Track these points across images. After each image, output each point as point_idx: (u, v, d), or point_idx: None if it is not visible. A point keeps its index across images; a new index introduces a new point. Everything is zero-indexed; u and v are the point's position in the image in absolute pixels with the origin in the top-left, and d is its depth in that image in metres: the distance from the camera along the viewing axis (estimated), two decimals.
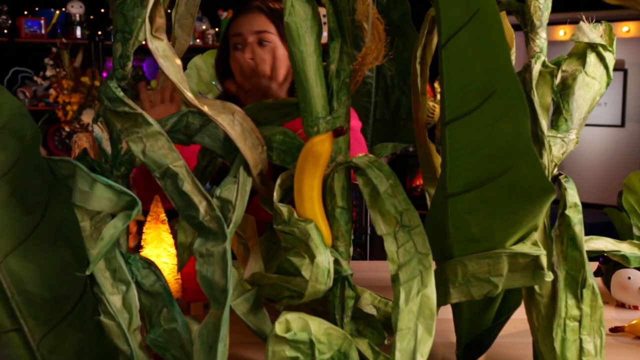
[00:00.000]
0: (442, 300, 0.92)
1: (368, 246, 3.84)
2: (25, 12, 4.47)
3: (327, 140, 0.93)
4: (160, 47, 0.89)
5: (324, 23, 0.94)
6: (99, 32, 4.55)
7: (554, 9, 0.95)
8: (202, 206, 0.88)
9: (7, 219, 0.85)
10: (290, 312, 0.88)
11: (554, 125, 0.99)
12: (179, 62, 0.91)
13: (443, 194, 0.91)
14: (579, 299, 0.94)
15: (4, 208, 0.85)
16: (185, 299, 1.28)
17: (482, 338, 1.05)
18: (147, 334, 0.91)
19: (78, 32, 4.51)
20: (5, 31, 4.39)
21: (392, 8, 1.73)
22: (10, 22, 4.41)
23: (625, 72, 5.02)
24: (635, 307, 1.36)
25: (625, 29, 4.92)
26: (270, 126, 1.03)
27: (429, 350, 0.82)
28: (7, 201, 0.85)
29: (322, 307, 1.06)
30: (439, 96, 1.68)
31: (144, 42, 0.91)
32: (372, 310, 1.15)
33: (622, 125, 5.12)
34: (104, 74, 4.32)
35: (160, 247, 1.21)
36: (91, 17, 4.61)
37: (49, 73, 4.21)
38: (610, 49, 1.01)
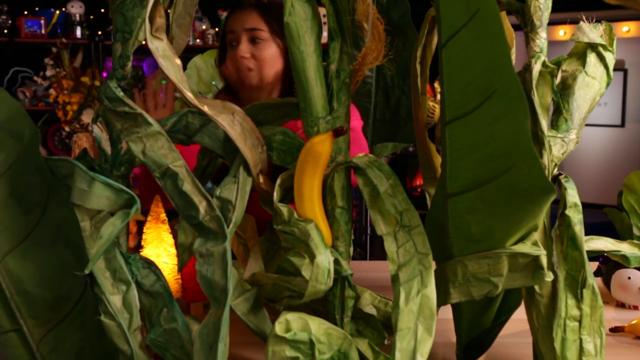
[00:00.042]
0: (442, 300, 0.92)
1: (368, 246, 3.84)
2: (25, 12, 4.47)
3: (327, 140, 0.93)
4: (160, 47, 0.89)
5: (324, 23, 0.94)
6: (99, 32, 4.54)
7: (554, 9, 0.95)
8: (202, 206, 0.88)
9: (6, 219, 0.85)
10: (290, 312, 0.88)
11: (554, 125, 0.99)
12: (179, 62, 0.91)
13: (443, 194, 0.90)
14: (579, 299, 0.94)
15: (2, 208, 0.85)
16: (185, 299, 1.28)
17: (482, 338, 1.05)
18: (147, 334, 0.91)
19: (78, 32, 4.50)
20: (5, 31, 4.39)
21: (392, 8, 1.73)
22: (10, 22, 4.41)
23: (625, 72, 5.02)
24: (635, 307, 1.36)
25: (625, 29, 4.92)
26: (270, 126, 1.03)
27: (429, 350, 0.82)
28: (6, 201, 0.85)
29: (322, 307, 1.06)
30: (439, 96, 1.68)
31: (144, 42, 0.91)
32: (372, 310, 1.15)
33: (622, 125, 5.12)
34: (104, 74, 4.31)
35: (160, 247, 1.21)
36: (91, 17, 4.61)
37: (49, 73, 4.20)
38: (610, 49, 1.01)
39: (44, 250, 0.88)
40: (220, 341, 0.83)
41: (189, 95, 0.91)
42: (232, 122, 0.94)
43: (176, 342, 0.91)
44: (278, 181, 0.98)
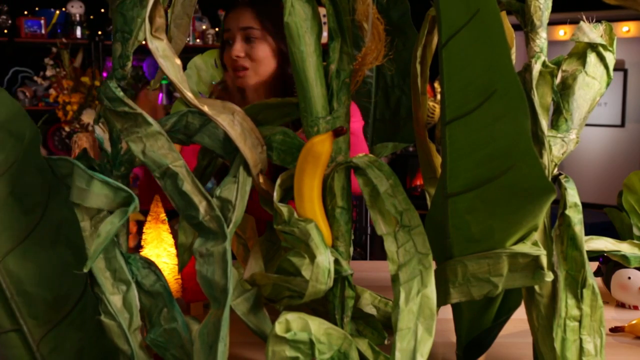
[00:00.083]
0: (442, 300, 0.92)
1: (368, 246, 3.84)
2: (25, 12, 4.47)
3: (327, 140, 0.93)
4: (160, 47, 0.89)
5: (324, 23, 0.94)
6: (99, 32, 4.54)
7: (554, 9, 0.95)
8: (202, 206, 0.88)
9: (6, 219, 0.85)
10: (290, 312, 0.88)
11: (554, 125, 0.99)
12: (178, 62, 0.91)
13: (443, 194, 0.90)
14: (579, 299, 0.94)
15: (2, 208, 0.85)
16: (185, 299, 1.28)
17: (482, 338, 1.05)
18: (148, 334, 0.91)
19: (78, 32, 4.50)
20: (5, 31, 4.39)
21: (392, 8, 1.73)
22: (10, 22, 4.41)
23: (625, 72, 5.01)
24: (635, 307, 1.36)
25: (625, 29, 4.92)
26: (270, 126, 1.03)
27: (429, 350, 0.82)
28: (6, 201, 0.85)
29: (322, 307, 1.06)
30: (439, 96, 1.68)
31: (143, 42, 0.91)
32: (372, 310, 1.15)
33: (622, 125, 5.11)
34: (104, 74, 4.31)
35: (160, 247, 1.21)
36: (91, 17, 4.61)
37: (49, 73, 4.20)
38: (610, 48, 1.01)
39: (44, 250, 0.88)
40: (220, 341, 0.83)
41: (189, 95, 0.91)
42: (232, 122, 0.94)
43: (176, 342, 0.91)
44: (278, 181, 0.98)
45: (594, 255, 1.06)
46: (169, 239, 1.22)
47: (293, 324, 0.87)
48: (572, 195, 0.94)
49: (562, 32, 4.93)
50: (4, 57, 4.48)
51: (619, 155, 5.13)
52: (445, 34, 0.82)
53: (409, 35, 1.70)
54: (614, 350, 1.16)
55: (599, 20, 1.02)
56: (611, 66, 1.01)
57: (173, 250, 1.21)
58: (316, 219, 0.95)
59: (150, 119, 0.88)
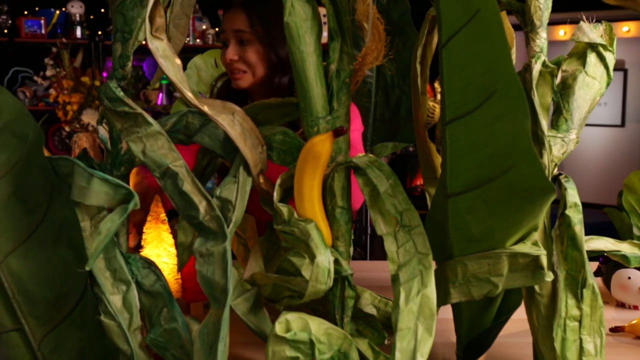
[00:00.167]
0: (442, 300, 0.92)
1: (368, 246, 3.84)
2: (25, 12, 4.47)
3: (327, 140, 0.93)
4: (160, 47, 0.89)
5: (324, 23, 0.94)
6: (99, 32, 4.55)
7: (554, 9, 0.95)
8: (202, 206, 0.88)
9: (9, 219, 0.86)
10: (290, 312, 0.88)
11: (554, 125, 0.99)
12: (179, 62, 0.91)
13: (443, 194, 0.90)
14: (579, 299, 0.94)
15: (5, 208, 0.85)
16: (185, 299, 1.28)
17: (482, 338, 1.05)
18: (147, 334, 0.91)
19: (78, 32, 4.50)
20: (5, 31, 4.39)
21: (392, 8, 1.73)
22: (10, 22, 4.41)
23: (625, 72, 5.02)
24: (635, 307, 1.36)
25: (625, 29, 4.92)
26: (270, 126, 1.03)
27: (429, 350, 0.82)
28: (8, 201, 0.85)
29: (322, 307, 1.06)
30: (439, 96, 1.68)
31: (143, 42, 0.91)
32: (372, 310, 1.15)
33: (622, 125, 5.12)
34: (104, 74, 4.31)
35: (160, 247, 1.21)
36: (91, 17, 4.61)
37: (49, 73, 4.21)
38: (610, 48, 1.01)
39: (46, 250, 0.88)
40: (220, 341, 0.83)
41: (189, 95, 0.91)
42: (232, 122, 0.94)
43: (176, 342, 0.91)
44: (278, 181, 0.98)
45: (594, 255, 1.06)
46: (169, 239, 1.22)
47: (293, 324, 0.87)
48: (572, 195, 0.95)
49: (562, 32, 4.94)
50: (4, 57, 4.48)
51: (619, 155, 5.14)
52: (445, 34, 0.82)
53: (409, 35, 1.70)
54: (614, 350, 1.16)
55: (599, 20, 1.02)
56: (611, 66, 1.01)
57: (173, 250, 1.21)
58: (316, 219, 0.95)
59: (150, 119, 0.88)
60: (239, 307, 1.02)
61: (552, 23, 1.00)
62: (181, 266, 1.06)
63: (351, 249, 1.01)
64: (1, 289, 0.86)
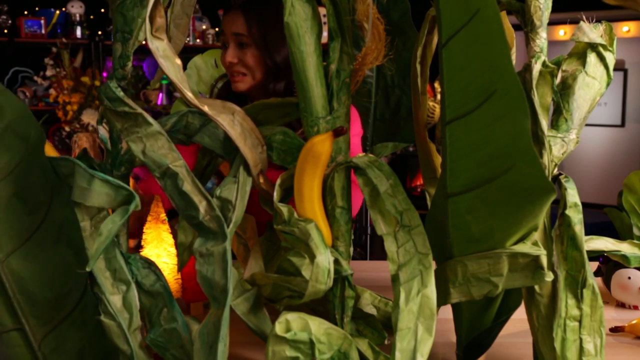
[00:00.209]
0: (442, 300, 0.92)
1: (368, 246, 3.84)
2: (25, 12, 4.47)
3: (327, 140, 0.93)
4: (160, 47, 0.89)
5: (324, 23, 0.94)
6: (99, 32, 4.55)
7: (554, 9, 0.95)
8: (202, 206, 0.89)
9: (10, 219, 0.86)
10: (290, 312, 0.88)
11: (554, 125, 0.99)
12: (179, 62, 0.91)
13: (443, 194, 0.91)
14: (579, 299, 0.94)
15: (6, 208, 0.85)
16: (185, 299, 1.28)
17: (482, 338, 1.05)
18: (147, 334, 0.91)
19: (78, 32, 4.51)
20: (5, 31, 4.39)
21: (392, 8, 1.73)
22: (10, 22, 4.41)
23: (625, 72, 5.02)
24: (635, 307, 1.36)
25: (625, 29, 4.92)
26: (270, 126, 1.03)
27: (429, 350, 0.82)
28: (10, 201, 0.85)
29: (322, 307, 1.06)
30: (439, 96, 1.68)
31: (144, 42, 0.91)
32: (372, 310, 1.15)
33: (622, 125, 5.12)
34: (104, 74, 4.31)
35: (160, 247, 1.21)
36: (91, 17, 4.61)
37: (49, 73, 4.21)
38: (610, 48, 1.01)
39: (46, 250, 0.88)
40: (220, 341, 0.83)
41: (189, 95, 0.91)
42: (232, 122, 0.94)
43: (176, 342, 0.91)
44: (278, 181, 0.98)
45: (594, 255, 1.06)
46: (169, 239, 1.22)
47: (293, 324, 0.87)
48: (572, 195, 0.95)
49: (562, 32, 4.94)
50: (4, 57, 4.48)
51: (619, 155, 5.14)
52: (445, 34, 0.82)
53: (409, 35, 1.70)
54: (614, 350, 1.16)
55: (599, 20, 1.02)
56: (611, 66, 1.01)
57: (173, 250, 1.21)
58: (316, 219, 0.95)
59: (150, 119, 0.88)
60: (239, 307, 1.02)
61: (552, 23, 1.00)
62: (181, 266, 1.07)
63: (351, 249, 1.01)
64: (2, 288, 0.86)
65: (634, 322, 1.21)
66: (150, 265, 0.92)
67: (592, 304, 0.94)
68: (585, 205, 1.01)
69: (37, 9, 4.52)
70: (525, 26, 0.94)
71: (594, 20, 1.01)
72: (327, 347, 0.88)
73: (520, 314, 1.02)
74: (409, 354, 0.81)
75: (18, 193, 0.86)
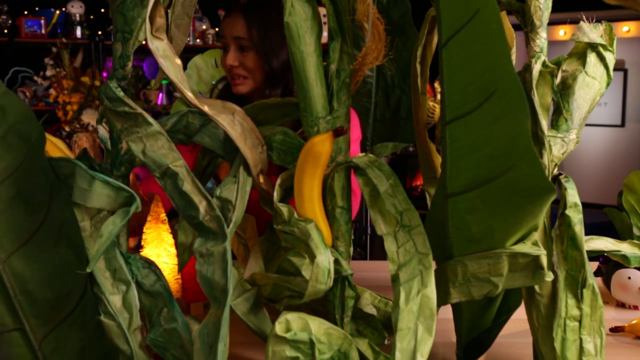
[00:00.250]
0: (442, 300, 0.92)
1: (368, 246, 3.84)
2: (25, 12, 4.47)
3: (327, 140, 0.93)
4: (160, 47, 0.89)
5: (324, 23, 0.94)
6: (99, 32, 4.55)
7: (554, 9, 0.95)
8: (202, 206, 0.88)
9: (12, 219, 0.86)
10: (290, 312, 0.88)
11: (554, 125, 0.99)
12: (179, 62, 0.91)
13: (443, 194, 0.91)
14: (579, 299, 0.94)
15: (9, 208, 0.85)
16: (185, 299, 1.28)
17: (482, 338, 1.05)
18: (148, 334, 0.91)
19: (78, 32, 4.51)
20: (5, 31, 4.39)
21: (393, 8, 1.73)
22: (10, 22, 4.41)
23: (625, 72, 5.02)
24: (635, 307, 1.36)
25: (625, 29, 4.92)
26: (270, 126, 1.03)
27: (429, 350, 0.82)
28: (12, 202, 0.85)
29: (322, 307, 1.06)
30: (439, 96, 1.68)
31: (144, 42, 0.91)
32: (372, 310, 1.15)
33: (622, 125, 5.12)
34: (104, 74, 4.31)
35: (160, 247, 1.21)
36: (91, 17, 4.61)
37: (49, 73, 4.21)
38: (610, 48, 1.01)
39: (47, 250, 0.88)
40: (220, 341, 0.83)
41: (189, 95, 0.91)
42: (232, 122, 0.94)
43: (176, 342, 0.91)
44: (278, 181, 0.98)
45: (594, 255, 1.06)
46: (169, 239, 1.22)
47: (293, 324, 0.87)
48: (572, 195, 0.95)
49: (562, 32, 4.94)
50: (4, 57, 4.48)
51: (619, 155, 5.14)
52: (445, 34, 0.82)
53: (409, 35, 1.70)
54: (614, 350, 1.16)
55: (599, 20, 1.02)
56: (611, 66, 1.01)
57: (173, 250, 1.21)
58: (316, 219, 0.95)
59: (150, 119, 0.88)
60: (239, 307, 1.02)
61: (552, 23, 1.00)
62: (181, 266, 1.07)
63: (351, 249, 1.01)
64: (3, 288, 0.86)
65: (634, 322, 1.21)
66: (150, 265, 0.92)
67: (592, 304, 0.94)
68: (585, 205, 1.01)
69: (37, 9, 4.52)
70: (525, 26, 0.94)
71: (594, 20, 1.01)
72: (327, 347, 0.88)
73: (520, 314, 1.02)
74: (409, 354, 0.82)
75: (20, 193, 0.86)
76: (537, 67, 0.93)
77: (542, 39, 0.94)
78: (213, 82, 1.92)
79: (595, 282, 0.95)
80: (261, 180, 0.99)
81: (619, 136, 5.15)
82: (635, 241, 1.10)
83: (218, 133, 0.95)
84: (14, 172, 0.85)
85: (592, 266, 0.97)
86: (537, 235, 0.90)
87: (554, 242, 0.94)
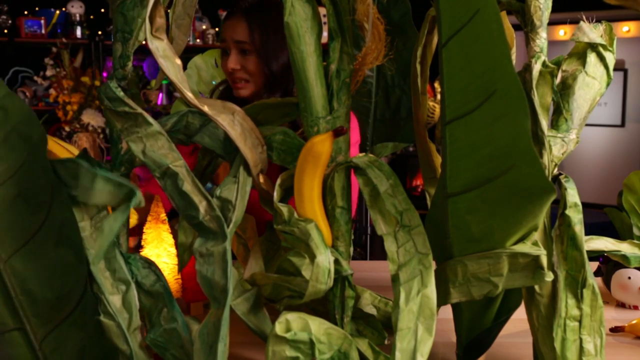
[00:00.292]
0: (442, 300, 0.92)
1: (368, 246, 3.84)
2: (25, 12, 4.47)
3: (327, 140, 0.93)
4: (160, 47, 0.89)
5: (324, 23, 0.94)
6: (99, 32, 4.55)
7: (554, 9, 0.95)
8: (202, 206, 0.89)
9: (14, 220, 0.86)
10: (290, 312, 0.88)
11: (554, 125, 0.99)
12: (179, 62, 0.91)
13: (443, 194, 0.91)
14: (579, 299, 0.94)
15: (10, 209, 0.85)
16: (185, 299, 1.28)
17: (482, 338, 1.05)
18: (147, 334, 0.91)
19: (78, 32, 4.51)
20: (5, 31, 4.39)
21: (393, 7, 1.73)
22: (10, 22, 4.41)
23: (625, 72, 5.02)
24: (635, 307, 1.36)
25: (625, 29, 4.92)
26: (270, 126, 1.03)
27: (429, 350, 0.82)
28: (14, 202, 0.86)
29: (322, 307, 1.06)
30: (439, 96, 1.68)
31: (144, 42, 0.91)
32: (372, 310, 1.15)
33: (622, 125, 5.12)
34: (104, 74, 4.31)
35: (160, 247, 1.21)
36: (91, 17, 4.61)
37: (49, 73, 4.21)
38: (610, 48, 1.01)
39: (48, 250, 0.88)
40: (220, 341, 0.83)
41: (189, 95, 0.91)
42: (232, 122, 0.94)
43: (176, 342, 0.91)
44: (278, 181, 0.98)
45: (594, 255, 1.06)
46: (169, 239, 1.22)
47: (293, 324, 0.87)
48: (572, 195, 0.95)
49: (562, 32, 4.94)
50: (4, 57, 4.48)
51: (619, 155, 5.14)
52: (445, 34, 0.82)
53: (409, 35, 1.70)
54: (614, 350, 1.16)
55: (599, 20, 1.02)
56: (611, 66, 1.01)
57: (173, 250, 1.21)
58: (316, 219, 0.95)
59: (150, 119, 0.88)
60: (239, 307, 1.02)
61: (552, 23, 1.00)
62: (181, 266, 1.07)
63: (351, 249, 1.01)
64: (4, 288, 0.86)
65: (634, 322, 1.21)
66: (150, 265, 0.92)
67: (592, 304, 0.94)
68: (585, 205, 1.01)
69: (37, 9, 4.52)
70: (525, 26, 0.94)
71: (594, 20, 1.01)
72: (327, 347, 0.88)
73: (520, 314, 1.02)
74: (409, 354, 0.82)
75: (21, 194, 0.86)
76: (537, 67, 0.93)
77: (542, 39, 0.94)
78: (213, 82, 1.92)
79: (595, 282, 0.95)
80: (261, 180, 0.99)
81: (619, 136, 5.15)
82: (635, 241, 1.10)
83: (218, 133, 0.95)
84: (16, 172, 0.85)
85: (592, 266, 0.97)
86: (537, 235, 0.90)
87: (554, 242, 0.94)
